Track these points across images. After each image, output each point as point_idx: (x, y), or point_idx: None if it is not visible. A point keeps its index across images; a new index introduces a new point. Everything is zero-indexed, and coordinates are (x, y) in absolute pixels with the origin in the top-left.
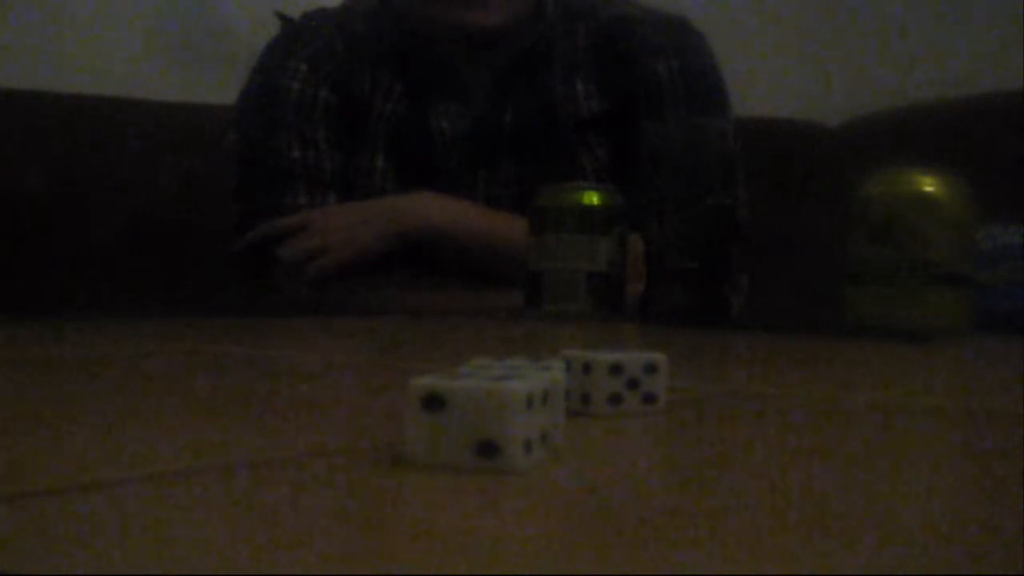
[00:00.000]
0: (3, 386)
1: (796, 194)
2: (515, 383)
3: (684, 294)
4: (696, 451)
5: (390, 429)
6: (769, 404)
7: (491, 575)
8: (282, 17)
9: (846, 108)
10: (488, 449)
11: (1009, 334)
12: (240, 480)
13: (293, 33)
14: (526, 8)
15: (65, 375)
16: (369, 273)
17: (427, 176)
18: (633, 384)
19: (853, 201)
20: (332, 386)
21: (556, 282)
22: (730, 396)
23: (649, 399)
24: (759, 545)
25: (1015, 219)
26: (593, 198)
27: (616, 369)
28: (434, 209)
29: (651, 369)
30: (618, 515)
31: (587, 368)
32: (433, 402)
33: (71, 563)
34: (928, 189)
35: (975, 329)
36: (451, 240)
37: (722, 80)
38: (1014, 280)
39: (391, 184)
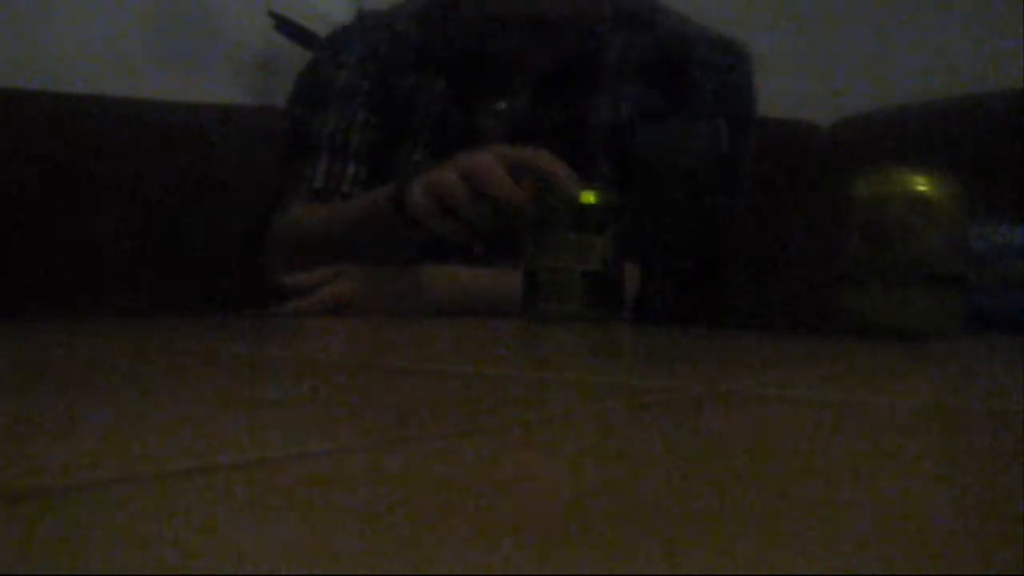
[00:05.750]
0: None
1: (788, 194)
2: None
3: (679, 294)
4: (685, 450)
5: (386, 427)
6: (761, 404)
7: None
8: (276, 17)
9: (838, 108)
10: None
11: (1002, 334)
12: (240, 480)
13: (344, 33)
14: (584, 9)
15: (60, 376)
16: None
17: None
18: None
19: (845, 200)
20: (328, 385)
21: (550, 281)
22: (722, 395)
23: None
24: (749, 545)
25: (1008, 219)
26: (589, 196)
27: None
28: (441, 290)
29: None
30: (606, 512)
31: None
32: None
33: (68, 564)
34: (920, 189)
35: (967, 329)
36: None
37: (756, 103)
38: (1007, 280)
39: None
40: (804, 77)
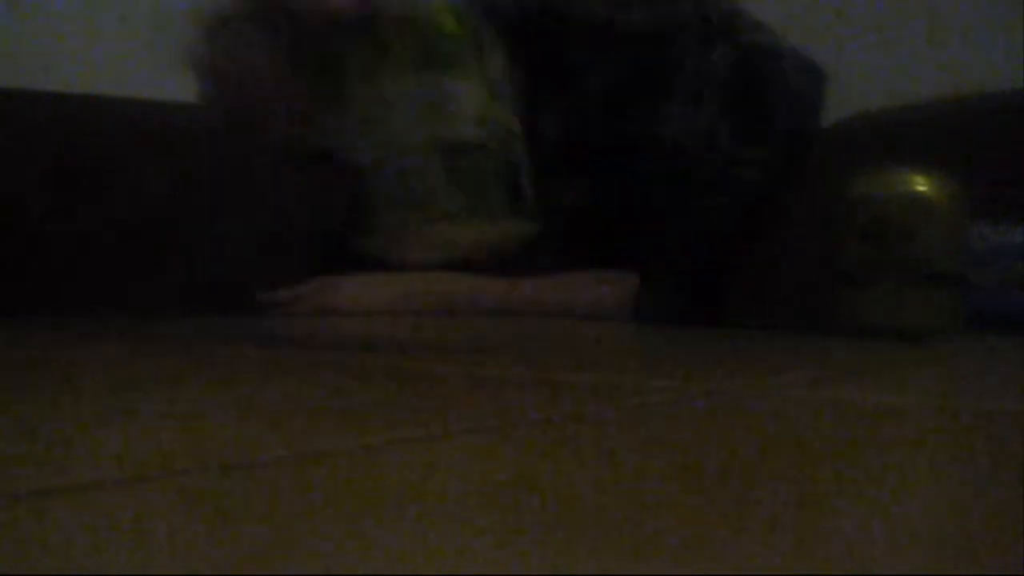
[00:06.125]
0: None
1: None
2: None
3: (678, 294)
4: (684, 449)
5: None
6: (760, 403)
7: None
8: None
9: (838, 108)
10: None
11: (1002, 334)
12: (221, 480)
13: None
14: (664, 15)
15: (45, 375)
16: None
17: None
18: None
19: (844, 201)
20: (320, 385)
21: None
22: (720, 395)
23: None
24: (751, 544)
25: (1008, 219)
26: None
27: None
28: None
29: None
30: (610, 512)
31: None
32: None
33: (52, 565)
34: (919, 189)
35: (968, 329)
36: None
37: (820, 128)
38: (1007, 280)
39: None
40: None
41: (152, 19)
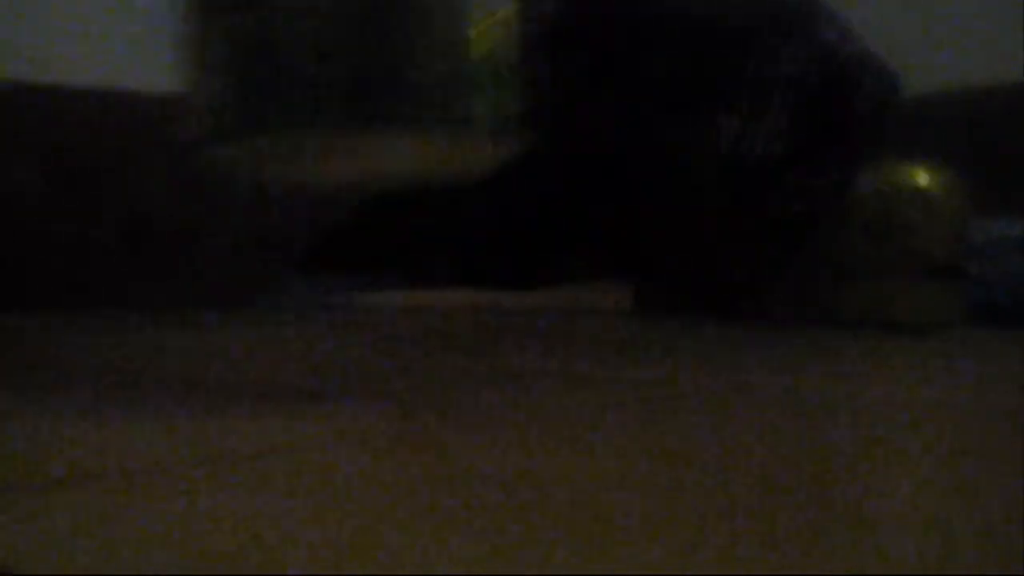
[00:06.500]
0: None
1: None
2: None
3: (681, 285)
4: (681, 441)
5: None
6: (756, 395)
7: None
8: None
9: None
10: None
11: (1003, 327)
12: (224, 472)
13: None
14: (734, 10)
15: (47, 370)
16: None
17: None
18: None
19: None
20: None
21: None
22: (721, 387)
23: None
24: (747, 538)
25: (1010, 212)
26: None
27: None
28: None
29: None
30: (602, 508)
31: None
32: None
33: (59, 560)
34: (921, 182)
35: (968, 322)
36: None
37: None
38: (1008, 273)
39: None
40: None
41: (151, 10)
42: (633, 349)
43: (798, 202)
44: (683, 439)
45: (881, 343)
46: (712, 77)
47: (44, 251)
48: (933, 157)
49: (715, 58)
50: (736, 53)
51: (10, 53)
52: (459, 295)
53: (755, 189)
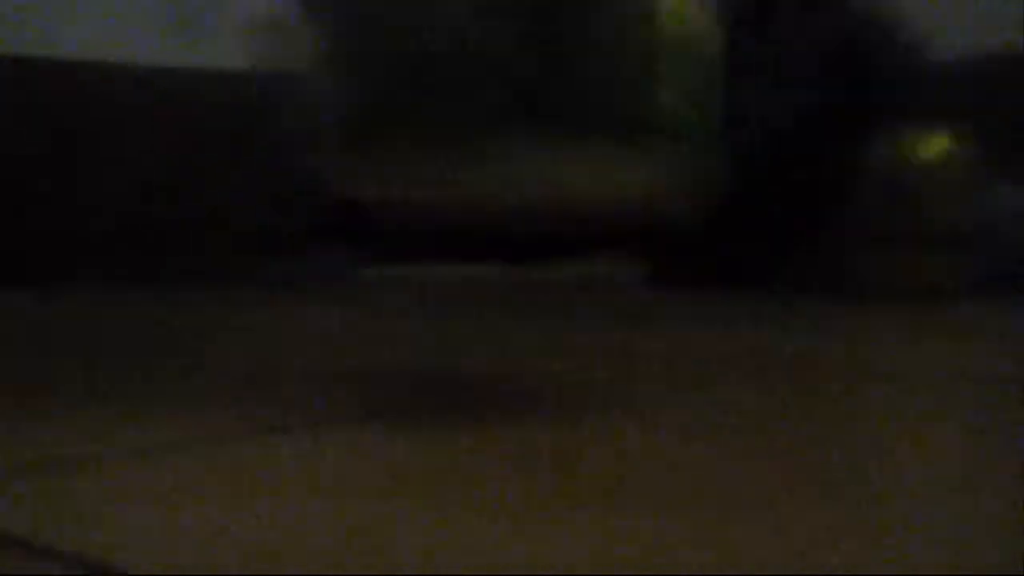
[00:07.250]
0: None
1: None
2: None
3: (695, 259)
4: (693, 413)
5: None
6: (771, 367)
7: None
8: None
9: None
10: None
11: (1014, 296)
12: (226, 453)
13: None
14: None
15: (46, 346)
16: None
17: None
18: None
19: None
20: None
21: None
22: (735, 357)
23: None
24: (752, 516)
25: (1022, 181)
26: None
27: None
28: None
29: None
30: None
31: None
32: None
33: (71, 535)
34: (933, 153)
35: (979, 291)
36: None
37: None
38: (1019, 242)
39: None
40: None
41: None
42: (655, 319)
43: (826, 171)
44: (687, 409)
45: (890, 313)
46: (741, 47)
47: (40, 223)
48: (956, 124)
49: (745, 28)
50: (762, 19)
51: (19, 27)
52: (464, 269)
53: (786, 160)
